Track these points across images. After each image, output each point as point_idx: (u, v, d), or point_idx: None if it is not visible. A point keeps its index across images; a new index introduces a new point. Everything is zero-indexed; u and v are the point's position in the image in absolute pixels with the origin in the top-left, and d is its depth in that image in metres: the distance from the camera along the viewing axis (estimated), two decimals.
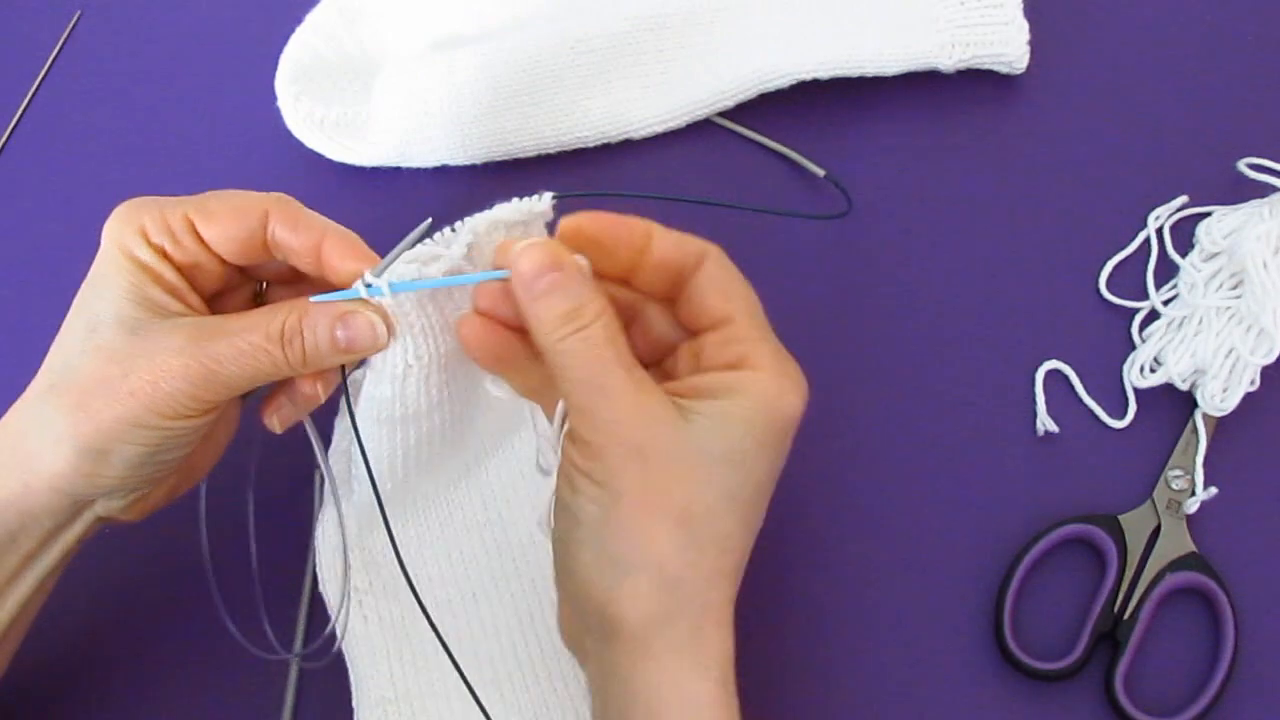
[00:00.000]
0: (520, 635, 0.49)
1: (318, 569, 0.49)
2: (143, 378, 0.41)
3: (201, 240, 0.43)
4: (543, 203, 0.46)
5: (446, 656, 0.42)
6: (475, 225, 0.45)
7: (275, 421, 0.46)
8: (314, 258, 0.43)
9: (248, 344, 0.42)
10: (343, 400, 0.45)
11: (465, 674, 0.42)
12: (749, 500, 0.40)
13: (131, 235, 0.42)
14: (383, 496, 0.44)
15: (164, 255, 0.42)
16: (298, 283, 0.47)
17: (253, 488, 0.47)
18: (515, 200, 0.48)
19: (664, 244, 0.42)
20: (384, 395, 0.45)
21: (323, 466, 0.46)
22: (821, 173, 0.59)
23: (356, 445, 0.45)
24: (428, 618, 0.43)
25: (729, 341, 0.41)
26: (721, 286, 0.42)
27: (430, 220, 0.46)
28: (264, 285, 0.48)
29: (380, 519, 0.43)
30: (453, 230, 0.47)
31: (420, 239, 0.44)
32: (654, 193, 0.59)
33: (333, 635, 0.47)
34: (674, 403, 0.39)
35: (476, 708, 0.43)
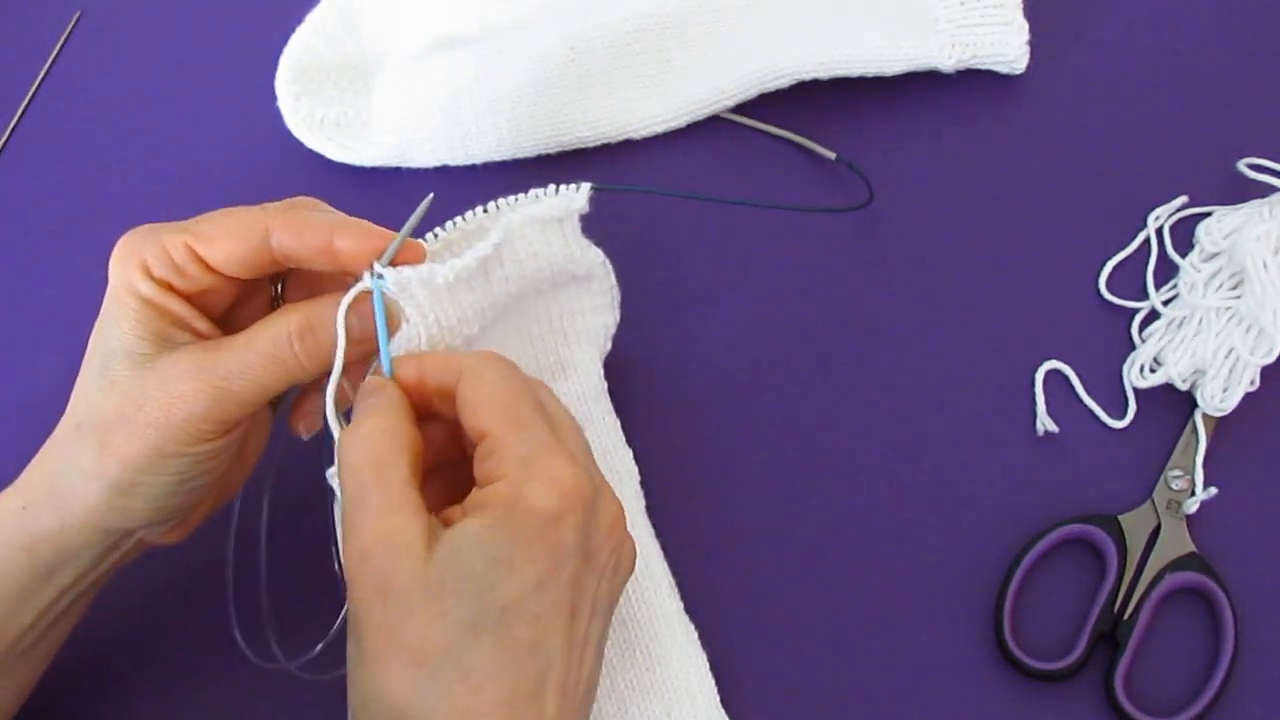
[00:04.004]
0: None
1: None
2: (157, 409, 0.41)
3: (207, 265, 0.42)
4: (580, 195, 0.45)
5: None
6: (510, 223, 0.44)
7: (302, 427, 0.46)
8: (326, 258, 0.43)
9: (255, 355, 0.41)
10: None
11: None
12: (498, 625, 0.36)
13: (134, 271, 0.42)
14: None
15: (168, 288, 0.42)
16: (312, 277, 0.46)
17: (268, 497, 0.46)
18: (552, 189, 0.46)
19: (426, 370, 0.41)
20: None
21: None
22: (832, 155, 0.58)
23: None
24: None
25: (485, 455, 0.39)
26: (473, 403, 0.40)
27: (432, 196, 0.44)
28: (279, 286, 0.47)
29: None
30: (484, 211, 0.46)
31: (423, 217, 0.43)
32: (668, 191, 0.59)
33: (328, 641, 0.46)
34: (432, 529, 0.38)
35: None
